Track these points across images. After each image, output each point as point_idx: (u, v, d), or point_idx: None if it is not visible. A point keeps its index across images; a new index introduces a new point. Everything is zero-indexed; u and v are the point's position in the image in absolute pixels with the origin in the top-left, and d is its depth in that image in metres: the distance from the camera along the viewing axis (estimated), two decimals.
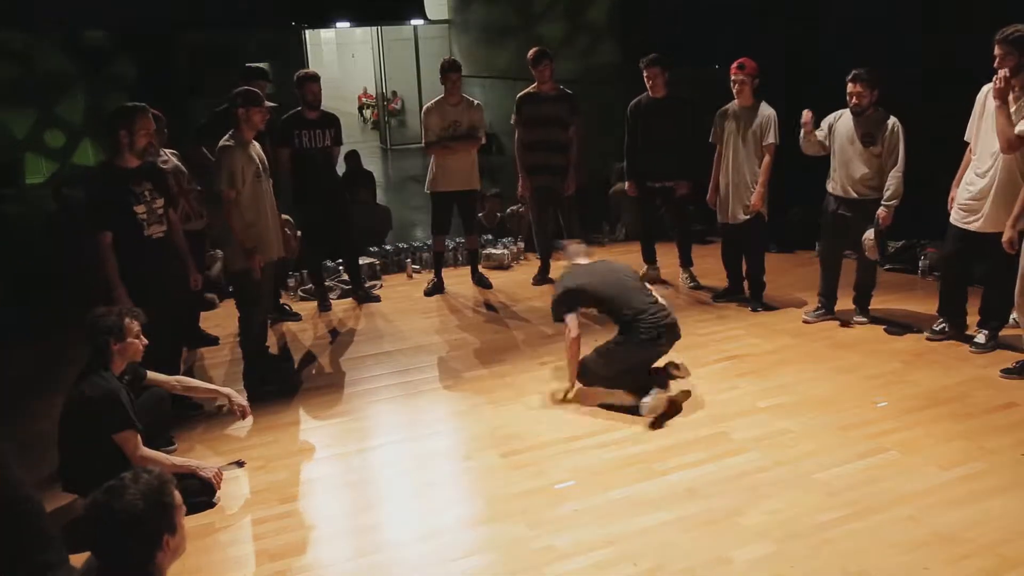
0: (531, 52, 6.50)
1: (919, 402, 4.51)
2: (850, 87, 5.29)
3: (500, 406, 4.68)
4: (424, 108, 6.64)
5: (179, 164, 5.33)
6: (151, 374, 3.99)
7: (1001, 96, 4.66)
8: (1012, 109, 4.69)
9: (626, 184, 6.89)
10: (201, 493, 3.73)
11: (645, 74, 6.33)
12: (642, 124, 6.46)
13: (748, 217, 5.95)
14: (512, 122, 6.65)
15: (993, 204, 4.88)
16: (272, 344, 5.79)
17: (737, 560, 3.20)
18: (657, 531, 3.41)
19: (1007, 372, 4.78)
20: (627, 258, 7.53)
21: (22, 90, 10.21)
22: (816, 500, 3.59)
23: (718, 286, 6.54)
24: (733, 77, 5.86)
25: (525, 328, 5.96)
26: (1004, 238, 4.71)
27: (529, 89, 6.59)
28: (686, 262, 6.82)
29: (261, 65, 5.89)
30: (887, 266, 6.96)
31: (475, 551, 3.35)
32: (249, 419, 4.46)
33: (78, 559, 3.17)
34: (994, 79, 4.70)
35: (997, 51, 4.70)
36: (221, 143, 4.78)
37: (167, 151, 5.29)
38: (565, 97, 6.52)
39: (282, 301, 6.40)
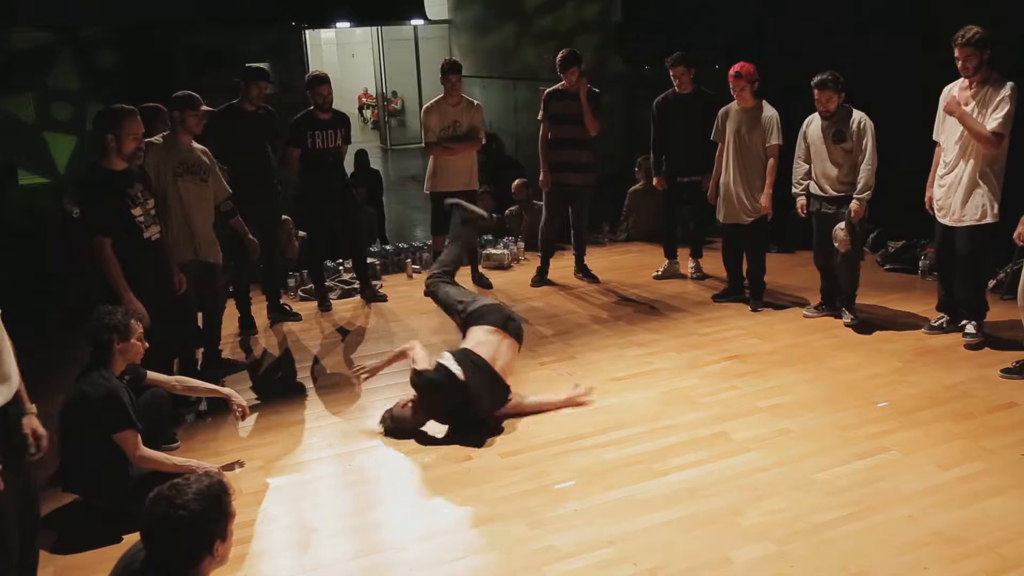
0: (559, 56, 6.47)
1: (919, 402, 4.51)
2: (817, 95, 5.38)
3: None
4: (424, 108, 6.65)
5: None
6: (151, 374, 3.98)
7: (952, 109, 4.98)
8: (973, 104, 4.94)
9: (654, 180, 6.89)
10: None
11: (671, 73, 6.40)
12: (669, 121, 6.52)
13: (751, 219, 5.95)
14: (539, 118, 6.63)
15: (960, 198, 5.07)
16: (273, 345, 5.80)
17: (737, 560, 3.20)
18: (657, 531, 3.41)
19: (1007, 372, 4.78)
20: (629, 258, 7.57)
21: (20, 89, 10.20)
22: (816, 500, 3.59)
23: (719, 285, 6.55)
24: (732, 84, 5.88)
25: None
26: (1016, 232, 4.74)
27: (556, 86, 6.59)
28: (696, 253, 6.90)
29: (262, 65, 5.88)
30: (887, 266, 6.97)
31: (475, 551, 3.35)
32: (250, 420, 4.47)
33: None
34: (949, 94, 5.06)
35: (958, 54, 4.90)
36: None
37: None
38: (590, 96, 6.48)
39: (282, 301, 6.39)
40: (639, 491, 3.72)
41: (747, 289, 6.23)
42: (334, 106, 6.26)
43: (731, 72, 5.85)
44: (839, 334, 5.57)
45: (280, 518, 3.65)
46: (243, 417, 4.15)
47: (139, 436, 3.59)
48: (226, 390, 4.17)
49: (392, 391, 4.95)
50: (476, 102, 6.66)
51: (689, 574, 3.14)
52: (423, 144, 6.61)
